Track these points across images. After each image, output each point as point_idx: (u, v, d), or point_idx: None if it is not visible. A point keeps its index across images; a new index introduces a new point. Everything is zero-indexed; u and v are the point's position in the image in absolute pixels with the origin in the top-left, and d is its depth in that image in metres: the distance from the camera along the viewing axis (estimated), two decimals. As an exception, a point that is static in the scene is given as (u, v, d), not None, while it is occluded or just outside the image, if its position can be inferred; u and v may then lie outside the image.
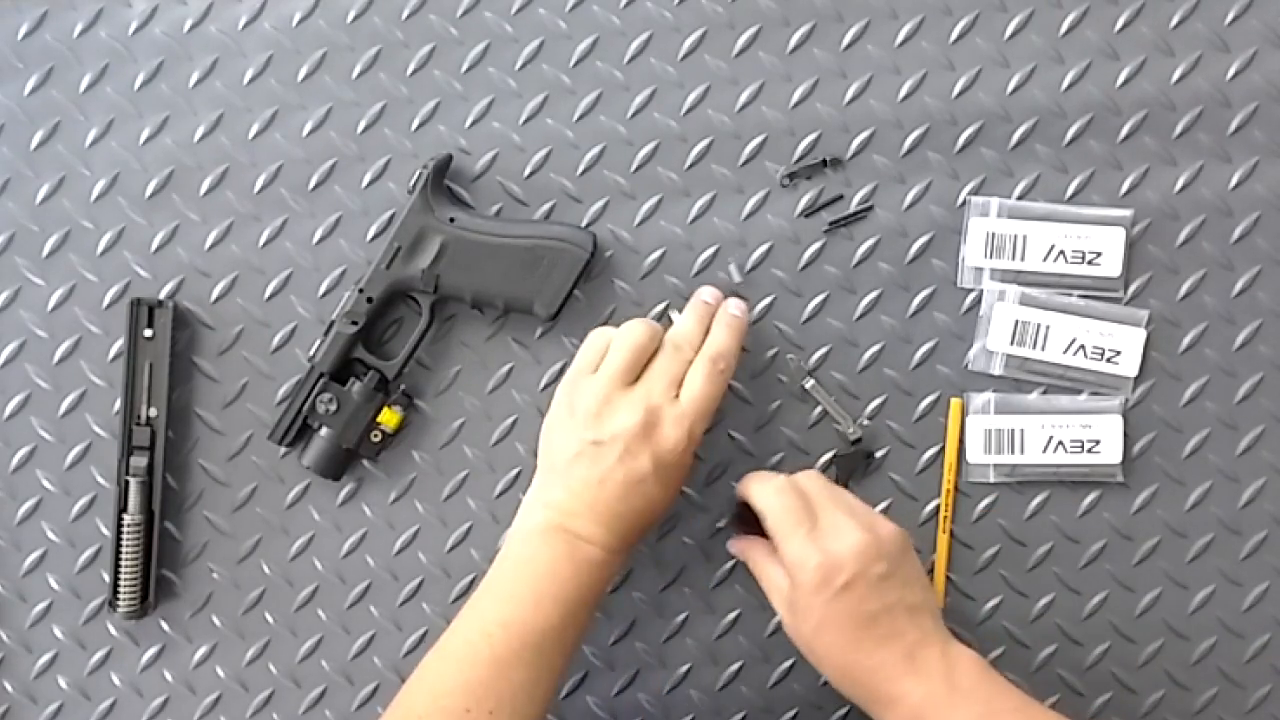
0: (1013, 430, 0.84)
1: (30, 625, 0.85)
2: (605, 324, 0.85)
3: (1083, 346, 0.84)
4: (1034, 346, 0.84)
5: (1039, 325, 0.84)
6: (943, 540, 0.84)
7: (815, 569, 0.72)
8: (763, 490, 0.77)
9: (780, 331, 0.85)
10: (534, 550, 0.74)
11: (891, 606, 0.72)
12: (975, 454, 0.84)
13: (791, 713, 0.85)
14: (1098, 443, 0.83)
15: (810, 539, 0.73)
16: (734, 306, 0.80)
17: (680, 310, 0.84)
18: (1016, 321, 0.84)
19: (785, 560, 0.74)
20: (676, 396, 0.76)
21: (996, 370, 0.84)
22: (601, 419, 0.75)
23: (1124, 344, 0.84)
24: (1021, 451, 0.84)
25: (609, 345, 0.78)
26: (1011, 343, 0.84)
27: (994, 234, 0.84)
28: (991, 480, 0.84)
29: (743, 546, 0.81)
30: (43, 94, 0.86)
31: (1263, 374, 0.85)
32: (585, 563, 0.73)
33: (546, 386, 0.85)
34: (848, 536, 0.73)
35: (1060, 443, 0.83)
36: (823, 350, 0.85)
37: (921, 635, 0.72)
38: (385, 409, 0.83)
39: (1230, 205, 0.85)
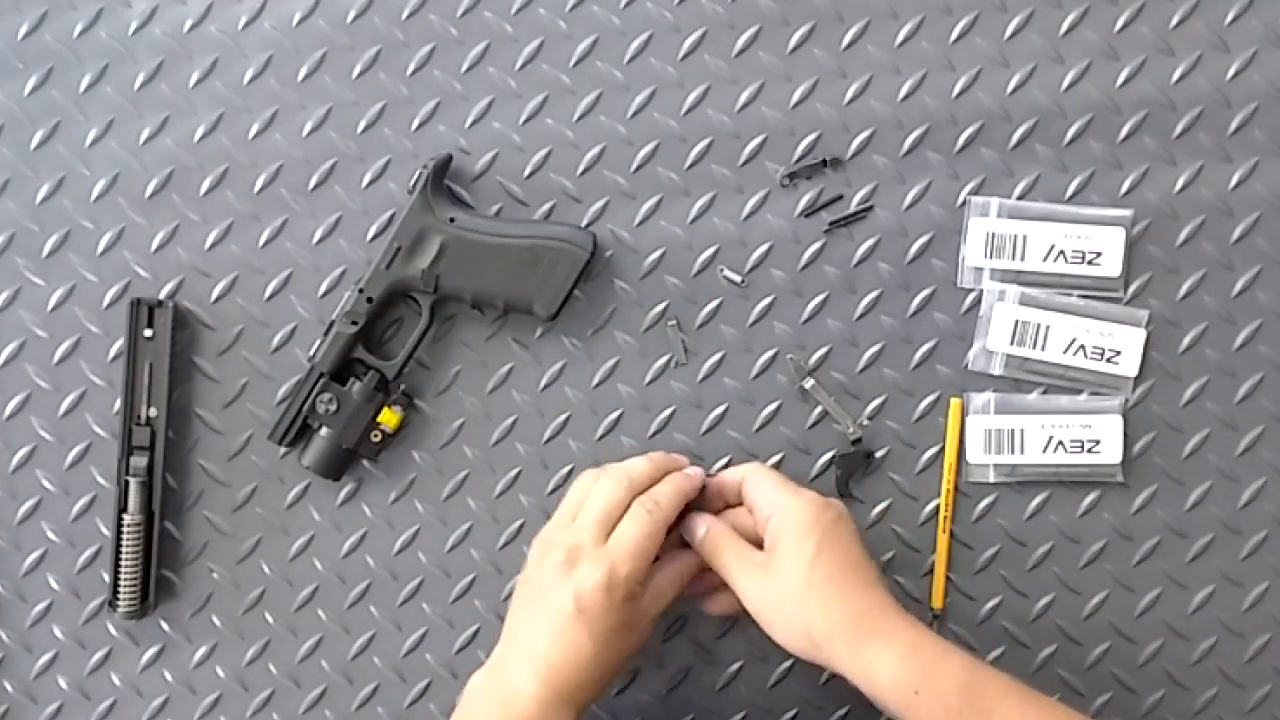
0: (1013, 430, 0.84)
1: (30, 625, 0.85)
2: (605, 327, 0.85)
3: (1083, 347, 0.84)
4: (1034, 346, 0.84)
5: (1039, 325, 0.84)
6: (943, 540, 0.84)
7: (810, 500, 0.75)
8: (743, 468, 0.79)
9: (780, 331, 0.85)
10: (470, 697, 0.74)
11: (870, 561, 0.75)
12: (975, 454, 0.84)
13: (791, 713, 0.85)
14: (1098, 442, 0.83)
15: (798, 487, 0.76)
16: (691, 469, 0.79)
17: (677, 322, 0.85)
18: (1016, 321, 0.84)
19: (779, 503, 0.75)
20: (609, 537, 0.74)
21: (996, 370, 0.84)
22: (538, 559, 0.75)
23: (1124, 344, 0.84)
24: (1021, 451, 0.84)
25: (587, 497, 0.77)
26: (1011, 343, 0.84)
27: (994, 234, 0.84)
28: (991, 480, 0.84)
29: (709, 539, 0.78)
30: (43, 94, 0.86)
31: (1263, 374, 0.85)
32: (517, 715, 0.71)
33: (546, 386, 0.85)
34: (807, 492, 0.76)
35: (1060, 443, 0.83)
36: (823, 350, 0.85)
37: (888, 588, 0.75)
38: (385, 409, 0.83)
39: (1230, 205, 0.85)
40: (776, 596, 0.73)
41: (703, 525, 0.77)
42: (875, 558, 0.77)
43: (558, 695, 0.72)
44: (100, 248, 0.86)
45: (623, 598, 0.73)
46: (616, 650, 0.74)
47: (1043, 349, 0.84)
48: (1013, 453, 0.84)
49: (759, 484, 0.77)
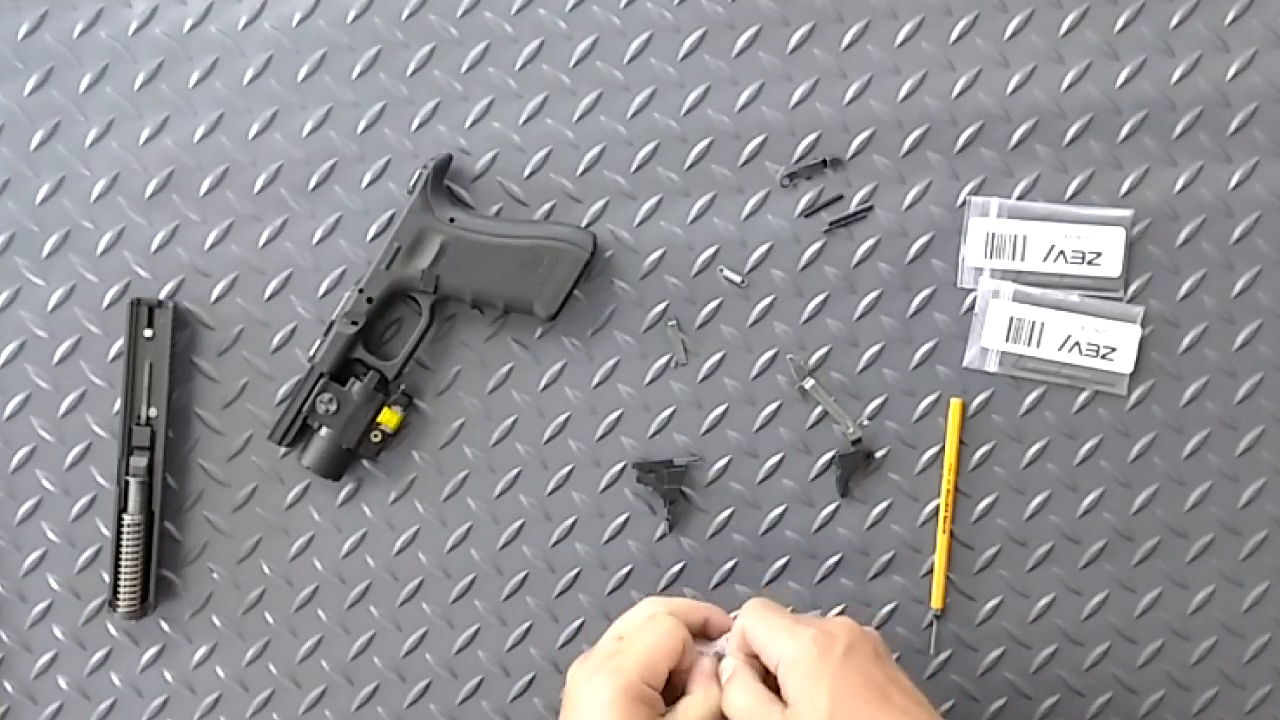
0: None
1: (30, 625, 0.85)
2: (605, 327, 0.85)
3: (1078, 344, 0.84)
4: (1029, 344, 0.84)
5: (1034, 322, 0.84)
6: (943, 540, 0.84)
7: (812, 640, 0.68)
8: (746, 614, 0.72)
9: (780, 331, 0.85)
10: None
11: (896, 679, 0.69)
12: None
13: (791, 713, 0.85)
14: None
15: (795, 628, 0.69)
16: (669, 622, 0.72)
17: (677, 322, 0.85)
18: (1011, 319, 0.84)
19: (778, 651, 0.69)
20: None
21: (992, 368, 0.84)
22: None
23: (1119, 340, 0.84)
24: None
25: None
26: (1007, 340, 0.84)
27: (994, 234, 0.84)
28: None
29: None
30: (43, 94, 0.86)
31: (1263, 374, 0.85)
32: None
33: (546, 386, 0.85)
34: (829, 620, 0.71)
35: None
36: (823, 350, 0.85)
37: (919, 703, 0.69)
38: (385, 409, 0.83)
39: (1230, 205, 0.85)
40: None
41: (728, 669, 0.72)
42: (903, 673, 0.71)
43: None
44: (100, 248, 0.86)
45: (622, 689, 0.68)
46: None
47: (1038, 346, 0.84)
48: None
49: (758, 632, 0.71)
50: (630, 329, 0.85)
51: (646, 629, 0.71)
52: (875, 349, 0.85)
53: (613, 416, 0.85)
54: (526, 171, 0.85)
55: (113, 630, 0.86)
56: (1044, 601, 0.85)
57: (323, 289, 0.86)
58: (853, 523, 0.85)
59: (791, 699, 0.68)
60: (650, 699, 0.69)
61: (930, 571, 0.85)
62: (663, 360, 0.85)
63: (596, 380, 0.85)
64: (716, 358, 0.85)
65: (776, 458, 0.85)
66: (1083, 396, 0.85)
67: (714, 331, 0.85)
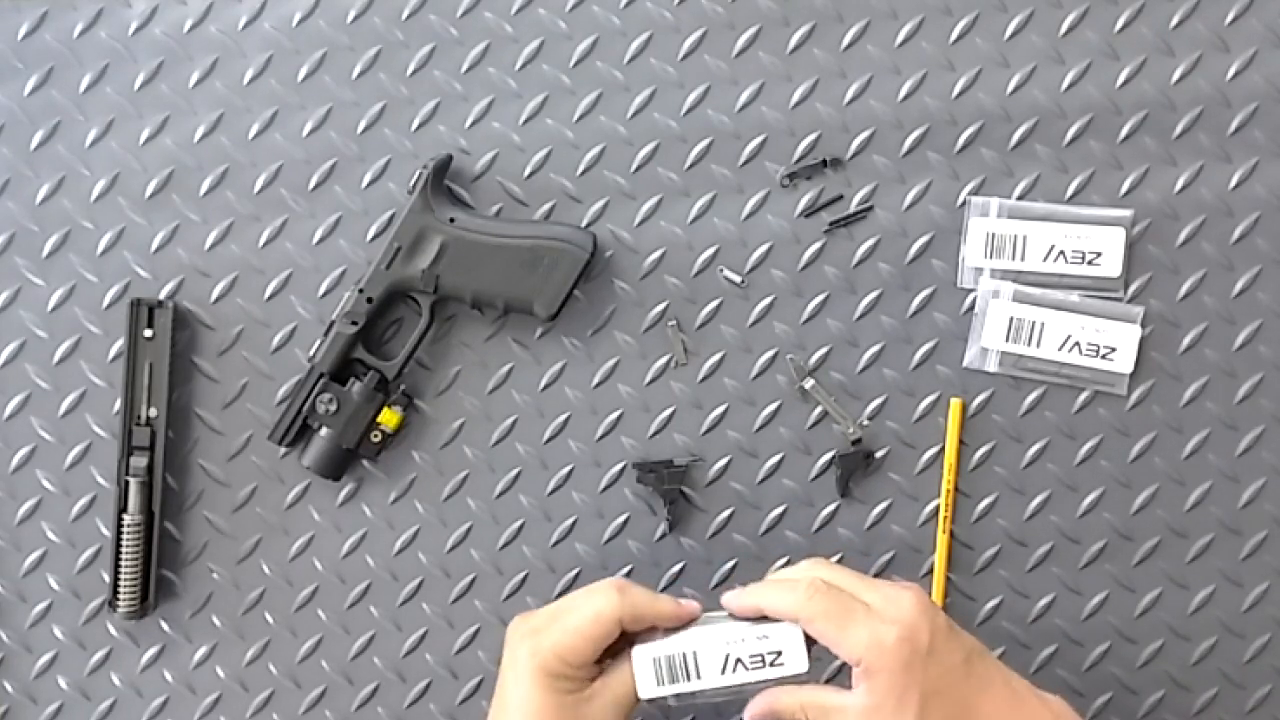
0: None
1: (30, 625, 0.85)
2: (605, 327, 0.85)
3: (1078, 344, 0.84)
4: (1029, 344, 0.84)
5: (1034, 322, 0.84)
6: (943, 540, 0.84)
7: (898, 643, 0.66)
8: (789, 599, 0.69)
9: (780, 331, 0.85)
10: None
11: (969, 655, 0.68)
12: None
13: (791, 713, 0.85)
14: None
15: (871, 617, 0.67)
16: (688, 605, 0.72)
17: (677, 322, 0.85)
18: (1011, 319, 0.84)
19: (853, 653, 0.67)
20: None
21: (992, 368, 0.84)
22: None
23: (1119, 340, 0.84)
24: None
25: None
26: (1007, 340, 0.84)
27: (994, 234, 0.84)
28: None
29: (767, 703, 0.70)
30: (43, 94, 0.86)
31: (1263, 374, 0.85)
32: None
33: (546, 387, 0.85)
34: (902, 599, 0.68)
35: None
36: (823, 350, 0.85)
37: (1004, 676, 0.69)
38: (385, 409, 0.83)
39: (1230, 205, 0.85)
40: None
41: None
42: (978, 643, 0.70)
43: None
44: (100, 248, 0.86)
45: (538, 665, 0.70)
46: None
47: (1038, 346, 0.84)
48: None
49: (821, 626, 0.68)
50: (630, 329, 0.85)
51: (581, 609, 0.71)
52: (875, 349, 0.85)
53: (613, 416, 0.85)
54: (526, 171, 0.85)
55: (113, 630, 0.86)
56: (1044, 601, 0.85)
57: (323, 289, 0.86)
58: (853, 523, 0.85)
59: (875, 703, 0.67)
60: (567, 675, 0.70)
61: (930, 571, 0.85)
62: (663, 360, 0.85)
63: (596, 380, 0.85)
64: (716, 358, 0.85)
65: (776, 458, 0.85)
66: (1083, 396, 0.85)
67: (714, 331, 0.85)
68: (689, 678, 0.70)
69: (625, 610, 0.70)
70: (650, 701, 0.70)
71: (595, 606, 0.70)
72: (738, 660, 0.70)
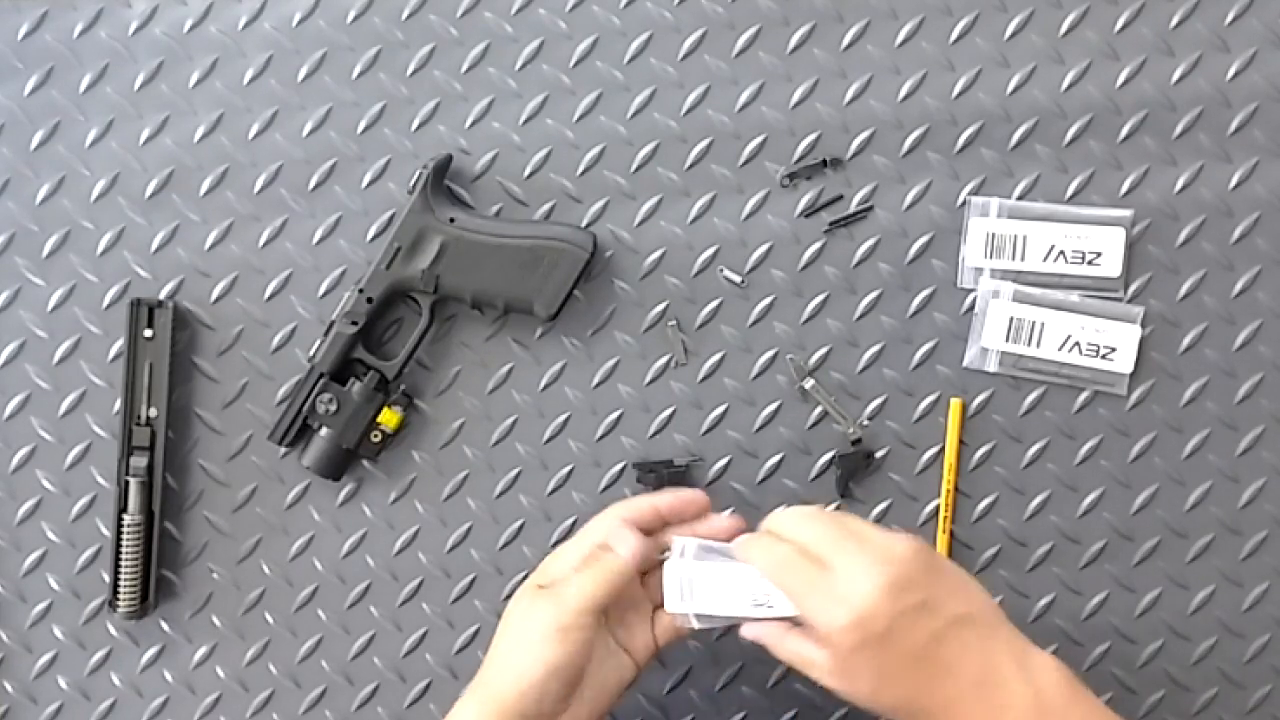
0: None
1: (30, 625, 0.85)
2: (605, 327, 0.85)
3: (1078, 344, 0.84)
4: (1029, 344, 0.84)
5: (1034, 322, 0.84)
6: (943, 540, 0.84)
7: (848, 628, 0.66)
8: (764, 560, 0.70)
9: (780, 331, 0.85)
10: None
11: (939, 633, 0.66)
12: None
13: (791, 713, 0.85)
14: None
15: (828, 594, 0.67)
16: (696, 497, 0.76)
17: (677, 322, 0.85)
18: (1011, 319, 0.84)
19: (810, 624, 0.68)
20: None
21: (992, 368, 0.84)
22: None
23: (1119, 340, 0.84)
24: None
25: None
26: (1007, 340, 0.84)
27: (994, 234, 0.84)
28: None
29: (756, 631, 0.71)
30: (43, 94, 0.86)
31: (1263, 374, 0.85)
32: None
33: (546, 386, 0.85)
34: (866, 577, 0.66)
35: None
36: (823, 350, 0.85)
37: (984, 655, 0.67)
38: (385, 409, 0.83)
39: (1230, 205, 0.85)
40: (851, 698, 0.68)
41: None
42: (963, 592, 0.69)
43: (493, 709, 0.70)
44: (100, 248, 0.86)
45: (560, 627, 0.71)
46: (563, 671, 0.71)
47: (1038, 346, 0.84)
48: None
49: (778, 586, 0.70)
50: (630, 329, 0.85)
51: (604, 565, 0.72)
52: (875, 349, 0.85)
53: (613, 416, 0.85)
54: (526, 171, 0.85)
55: (113, 630, 0.86)
56: (1044, 601, 0.85)
57: (323, 289, 0.86)
58: (853, 523, 0.85)
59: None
60: (585, 626, 0.71)
61: (930, 571, 0.85)
62: (663, 360, 0.85)
63: (596, 380, 0.85)
64: (716, 358, 0.85)
65: (776, 458, 0.85)
66: (1083, 396, 0.85)
67: (714, 331, 0.85)
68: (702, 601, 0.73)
69: (643, 557, 0.73)
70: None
71: (617, 564, 0.72)
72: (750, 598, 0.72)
